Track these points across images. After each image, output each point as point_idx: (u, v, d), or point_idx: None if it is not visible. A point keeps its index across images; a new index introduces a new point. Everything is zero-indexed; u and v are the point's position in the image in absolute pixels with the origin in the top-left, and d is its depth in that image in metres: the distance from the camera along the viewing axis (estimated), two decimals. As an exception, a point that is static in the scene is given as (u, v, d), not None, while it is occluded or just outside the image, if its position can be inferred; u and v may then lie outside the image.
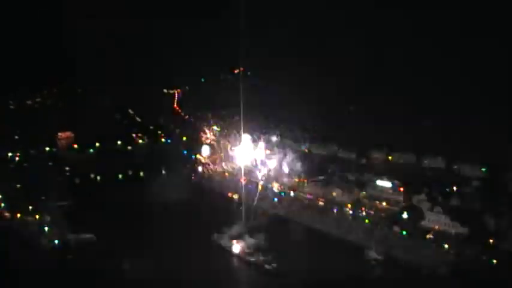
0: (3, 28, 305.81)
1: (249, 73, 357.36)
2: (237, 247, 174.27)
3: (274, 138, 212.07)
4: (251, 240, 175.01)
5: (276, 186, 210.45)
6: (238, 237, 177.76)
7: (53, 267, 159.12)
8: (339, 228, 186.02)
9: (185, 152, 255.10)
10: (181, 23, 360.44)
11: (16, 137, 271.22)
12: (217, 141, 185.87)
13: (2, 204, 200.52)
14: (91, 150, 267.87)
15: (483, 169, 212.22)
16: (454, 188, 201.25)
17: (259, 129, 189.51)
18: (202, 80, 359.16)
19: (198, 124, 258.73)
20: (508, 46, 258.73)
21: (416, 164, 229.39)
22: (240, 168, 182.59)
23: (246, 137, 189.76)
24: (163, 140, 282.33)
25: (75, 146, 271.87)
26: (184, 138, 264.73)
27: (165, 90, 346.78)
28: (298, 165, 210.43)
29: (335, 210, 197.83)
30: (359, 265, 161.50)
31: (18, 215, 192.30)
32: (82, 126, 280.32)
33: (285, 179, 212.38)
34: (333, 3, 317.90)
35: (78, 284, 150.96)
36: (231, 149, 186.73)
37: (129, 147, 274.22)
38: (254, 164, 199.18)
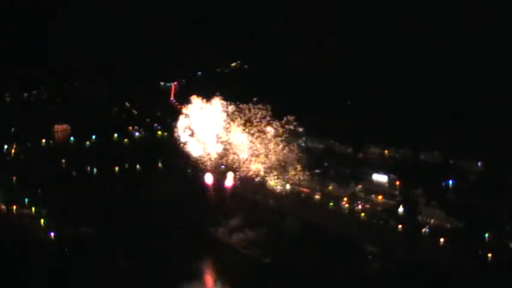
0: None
1: (245, 66, 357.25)
2: (233, 240, 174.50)
3: (271, 131, 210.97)
4: (247, 234, 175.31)
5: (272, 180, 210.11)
6: (235, 230, 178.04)
7: (50, 261, 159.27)
8: (335, 221, 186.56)
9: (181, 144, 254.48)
10: (178, 16, 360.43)
11: (12, 130, 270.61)
12: (214, 134, 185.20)
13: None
14: (88, 143, 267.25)
15: (480, 164, 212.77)
16: (450, 182, 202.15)
17: (256, 121, 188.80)
18: (199, 73, 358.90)
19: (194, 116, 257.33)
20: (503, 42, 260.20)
21: (413, 158, 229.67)
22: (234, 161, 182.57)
23: (242, 130, 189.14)
24: (160, 133, 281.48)
25: (72, 138, 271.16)
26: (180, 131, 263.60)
27: (162, 83, 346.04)
28: (295, 159, 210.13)
29: (331, 204, 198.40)
30: (355, 258, 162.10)
31: (14, 208, 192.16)
32: (79, 119, 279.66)
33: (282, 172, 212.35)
34: None
35: (75, 278, 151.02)
36: (227, 141, 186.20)
37: (126, 140, 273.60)
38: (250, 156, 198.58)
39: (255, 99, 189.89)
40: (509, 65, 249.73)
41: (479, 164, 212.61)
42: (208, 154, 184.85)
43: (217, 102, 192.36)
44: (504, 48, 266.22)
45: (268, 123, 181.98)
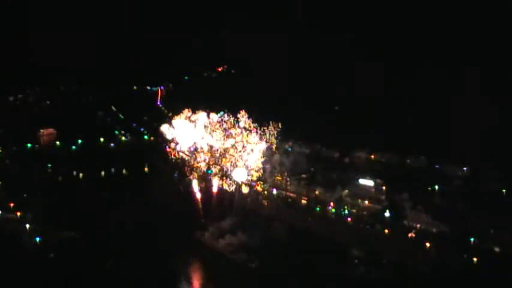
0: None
1: (232, 71, 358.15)
2: (219, 245, 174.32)
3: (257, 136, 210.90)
4: (234, 238, 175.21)
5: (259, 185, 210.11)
6: (222, 235, 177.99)
7: (34, 265, 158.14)
8: (322, 226, 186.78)
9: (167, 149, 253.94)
10: (166, 22, 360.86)
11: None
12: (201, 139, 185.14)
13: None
14: (74, 147, 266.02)
15: (464, 168, 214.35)
16: (436, 187, 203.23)
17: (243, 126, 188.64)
18: (186, 77, 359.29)
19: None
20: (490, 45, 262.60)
21: (399, 163, 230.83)
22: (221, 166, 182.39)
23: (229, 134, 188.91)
24: (146, 137, 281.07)
25: (58, 142, 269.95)
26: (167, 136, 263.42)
27: (148, 88, 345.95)
28: (281, 163, 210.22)
29: (318, 209, 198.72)
30: (341, 263, 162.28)
31: (0, 212, 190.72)
32: (65, 123, 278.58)
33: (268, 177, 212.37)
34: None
35: (59, 282, 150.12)
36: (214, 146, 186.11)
37: (112, 145, 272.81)
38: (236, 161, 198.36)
39: (241, 104, 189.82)
40: (496, 72, 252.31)
41: (464, 168, 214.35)
42: (195, 159, 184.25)
43: (203, 106, 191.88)
44: (491, 55, 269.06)
45: (255, 128, 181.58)
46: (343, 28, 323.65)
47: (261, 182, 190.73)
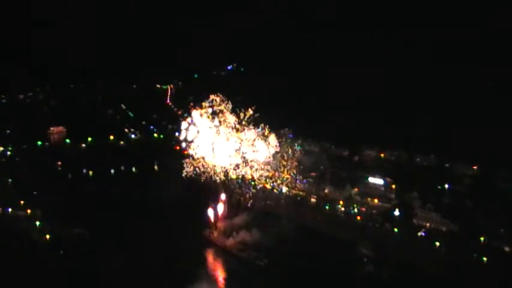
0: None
1: (242, 69, 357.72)
2: (228, 243, 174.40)
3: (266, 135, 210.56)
4: (243, 236, 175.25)
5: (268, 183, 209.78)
6: (230, 233, 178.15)
7: (44, 262, 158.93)
8: (331, 225, 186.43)
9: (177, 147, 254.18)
10: (175, 19, 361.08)
11: (8, 132, 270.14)
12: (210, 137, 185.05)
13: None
14: (83, 145, 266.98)
15: (474, 167, 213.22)
16: (446, 186, 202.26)
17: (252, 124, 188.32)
18: (195, 75, 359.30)
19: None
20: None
21: (408, 162, 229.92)
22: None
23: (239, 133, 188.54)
24: (155, 135, 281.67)
25: (68, 140, 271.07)
26: (176, 134, 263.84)
27: (158, 86, 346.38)
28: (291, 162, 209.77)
29: (327, 207, 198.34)
30: (350, 262, 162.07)
31: (10, 210, 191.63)
32: (74, 121, 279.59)
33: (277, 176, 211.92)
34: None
35: (69, 279, 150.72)
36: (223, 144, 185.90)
37: (122, 143, 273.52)
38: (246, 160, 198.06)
39: (251, 102, 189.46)
40: (504, 71, 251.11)
41: (474, 167, 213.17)
42: (204, 157, 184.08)
43: (212, 105, 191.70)
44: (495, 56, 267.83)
45: (264, 127, 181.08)
46: (354, 26, 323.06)
47: (271, 181, 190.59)
